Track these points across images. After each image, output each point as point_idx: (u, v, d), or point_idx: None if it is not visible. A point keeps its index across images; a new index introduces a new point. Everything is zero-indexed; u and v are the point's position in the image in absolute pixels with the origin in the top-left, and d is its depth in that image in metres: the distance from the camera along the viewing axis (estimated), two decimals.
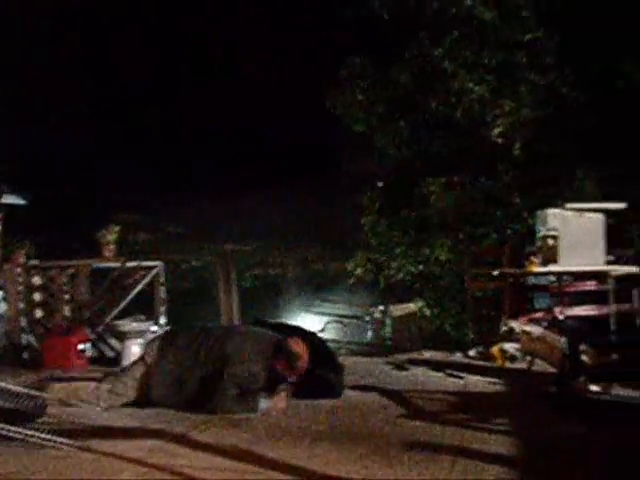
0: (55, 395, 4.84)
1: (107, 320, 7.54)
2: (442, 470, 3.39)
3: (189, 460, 3.62)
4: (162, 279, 8.26)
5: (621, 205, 6.11)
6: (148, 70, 12.60)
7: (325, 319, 7.19)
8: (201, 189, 11.59)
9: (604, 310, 6.26)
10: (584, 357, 5.24)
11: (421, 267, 9.00)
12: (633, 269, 5.85)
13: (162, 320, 8.02)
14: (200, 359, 4.93)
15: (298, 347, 4.93)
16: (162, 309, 8.15)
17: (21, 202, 8.65)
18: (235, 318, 7.83)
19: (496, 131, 8.63)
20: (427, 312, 8.56)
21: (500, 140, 8.66)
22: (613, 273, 5.52)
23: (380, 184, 9.33)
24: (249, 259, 11.44)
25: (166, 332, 5.35)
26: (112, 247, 7.85)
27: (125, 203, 11.25)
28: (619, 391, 5.04)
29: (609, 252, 5.90)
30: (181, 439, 4.05)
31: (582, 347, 5.22)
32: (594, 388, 5.03)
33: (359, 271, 9.19)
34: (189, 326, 5.76)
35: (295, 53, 12.11)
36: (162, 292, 8.22)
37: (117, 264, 7.84)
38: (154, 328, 7.27)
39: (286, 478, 3.32)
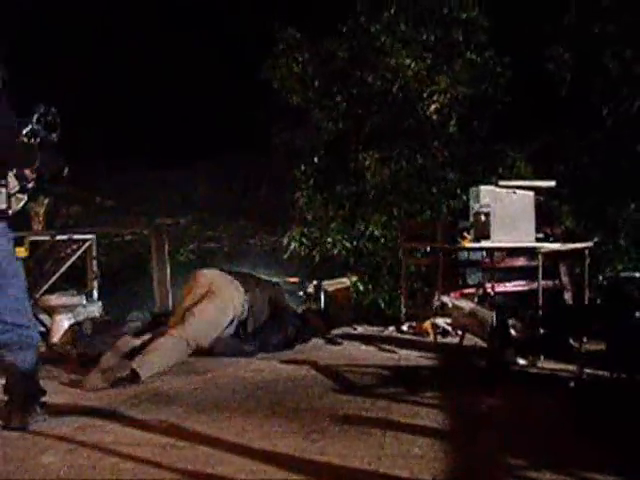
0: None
1: (36, 295, 7.36)
2: (372, 443, 3.43)
3: (118, 436, 3.59)
4: (94, 253, 8.10)
5: (551, 183, 6.22)
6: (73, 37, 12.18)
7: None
8: (134, 162, 11.38)
9: (533, 285, 6.38)
10: (512, 331, 5.35)
11: (355, 242, 9.05)
12: (560, 246, 5.97)
13: (94, 295, 7.88)
14: None
15: None
16: (94, 283, 8.01)
17: None
18: (169, 292, 7.76)
19: (432, 108, 8.68)
20: (361, 287, 8.61)
21: (436, 117, 8.72)
22: (542, 250, 5.62)
23: (316, 159, 9.30)
24: (184, 233, 11.31)
25: None
26: (42, 219, 7.66)
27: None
28: (545, 364, 5.17)
29: (538, 229, 6.02)
30: (111, 415, 4.00)
31: (510, 321, 5.33)
32: (521, 361, 5.15)
33: (294, 246, 9.18)
34: None
35: (231, 24, 11.94)
36: (94, 266, 8.07)
37: (47, 237, 7.65)
38: (85, 303, 7.14)
39: (216, 452, 3.31)
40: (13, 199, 3.72)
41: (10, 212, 3.72)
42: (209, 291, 5.57)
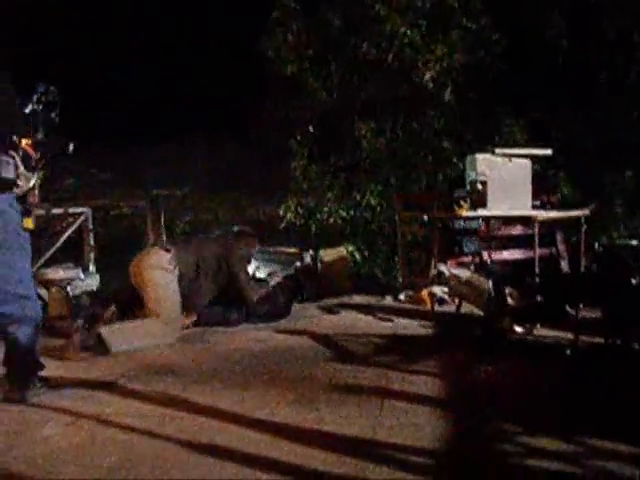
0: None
1: (34, 268, 7.35)
2: (370, 412, 3.45)
3: (117, 408, 3.61)
4: (90, 225, 8.09)
5: (547, 151, 6.20)
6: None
7: (256, 263, 7.19)
8: (128, 133, 11.31)
9: (529, 254, 6.39)
10: (509, 299, 5.36)
11: (352, 212, 9.07)
12: (557, 214, 5.96)
13: (91, 268, 7.88)
14: None
15: None
16: (91, 256, 8.00)
17: None
18: None
19: (427, 76, 8.61)
20: (358, 256, 8.62)
21: (431, 85, 8.65)
22: (538, 218, 5.62)
23: (311, 128, 9.25)
24: (180, 205, 11.27)
25: None
26: (36, 193, 7.61)
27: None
28: (541, 331, 5.19)
29: (535, 197, 6.00)
30: (110, 387, 4.03)
31: (507, 290, 5.33)
32: (518, 329, 5.17)
33: (290, 216, 9.19)
34: None
35: None
36: (90, 239, 8.06)
37: (42, 211, 7.62)
38: (82, 276, 7.14)
39: (214, 422, 3.33)
40: (22, 177, 3.71)
41: (19, 186, 3.71)
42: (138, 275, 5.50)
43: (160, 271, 5.45)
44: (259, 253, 6.75)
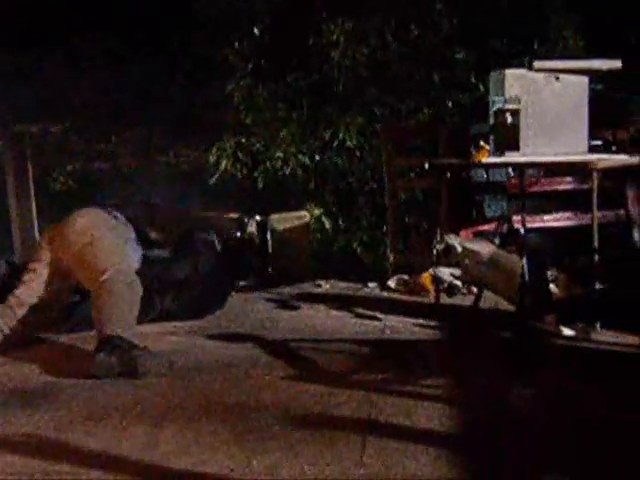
0: None
1: None
2: (347, 455, 3.39)
3: None
4: None
5: (615, 63, 6.17)
6: None
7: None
8: None
9: (584, 219, 6.40)
10: (554, 287, 5.36)
11: (318, 158, 9.06)
12: (628, 159, 5.93)
13: None
14: None
15: None
16: None
17: None
18: (35, 235, 7.65)
19: None
20: (327, 224, 8.65)
21: None
22: (599, 165, 5.61)
23: (256, 30, 9.22)
24: (59, 148, 11.17)
25: None
26: None
27: None
28: (605, 335, 5.19)
29: (594, 134, 5.98)
30: None
31: (551, 273, 5.34)
32: (567, 331, 5.17)
33: (225, 164, 9.16)
34: None
35: None
36: None
37: None
38: None
39: (108, 476, 3.25)
40: None
41: None
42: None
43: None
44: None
